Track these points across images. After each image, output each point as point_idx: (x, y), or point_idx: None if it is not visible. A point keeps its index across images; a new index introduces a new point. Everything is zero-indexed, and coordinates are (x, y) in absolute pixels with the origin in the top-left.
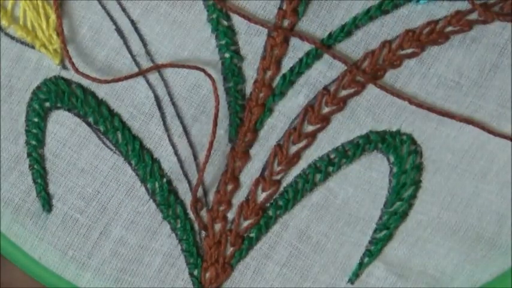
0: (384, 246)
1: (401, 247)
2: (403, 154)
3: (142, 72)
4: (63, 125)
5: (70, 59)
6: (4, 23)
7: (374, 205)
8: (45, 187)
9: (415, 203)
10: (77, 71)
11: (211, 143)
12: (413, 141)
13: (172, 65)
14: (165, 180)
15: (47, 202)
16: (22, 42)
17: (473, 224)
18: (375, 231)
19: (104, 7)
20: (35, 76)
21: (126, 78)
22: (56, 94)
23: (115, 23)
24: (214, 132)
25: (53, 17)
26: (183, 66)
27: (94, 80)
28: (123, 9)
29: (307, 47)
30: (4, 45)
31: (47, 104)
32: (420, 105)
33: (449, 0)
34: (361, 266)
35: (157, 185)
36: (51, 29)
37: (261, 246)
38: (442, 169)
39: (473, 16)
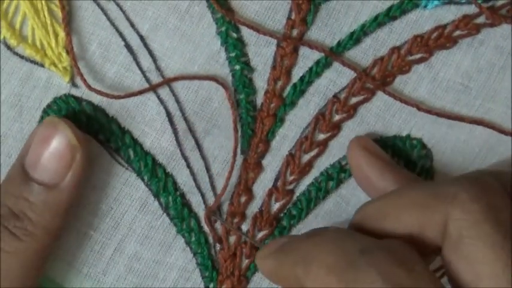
0: None
1: None
2: (414, 158)
3: (154, 87)
4: None
5: (82, 76)
6: (13, 42)
7: None
8: None
9: None
10: (89, 87)
11: (234, 152)
12: (423, 146)
13: (183, 77)
14: (178, 193)
15: None
16: (31, 61)
17: None
18: None
19: (112, 23)
20: (45, 94)
21: (139, 93)
22: (66, 112)
23: (124, 39)
24: (236, 139)
25: (61, 34)
26: (194, 78)
27: (107, 95)
28: (132, 25)
29: (316, 55)
30: (13, 65)
31: None
32: (429, 111)
33: (456, 4)
34: None
35: (170, 199)
36: (60, 47)
37: None
38: (452, 172)
39: (481, 19)
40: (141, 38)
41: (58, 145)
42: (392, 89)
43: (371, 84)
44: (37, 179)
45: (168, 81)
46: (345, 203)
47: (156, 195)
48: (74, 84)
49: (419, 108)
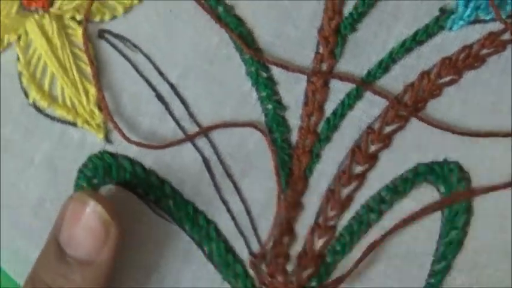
0: (444, 277)
1: (460, 276)
2: (453, 182)
3: (192, 137)
4: (113, 199)
5: (118, 128)
6: (43, 103)
7: (429, 237)
8: None
9: (469, 230)
10: (127, 139)
11: (279, 195)
12: (461, 169)
13: (221, 125)
14: (221, 239)
15: None
16: (63, 121)
17: None
18: (433, 263)
19: (141, 75)
20: (80, 154)
21: (178, 143)
22: (103, 169)
23: (154, 89)
24: (279, 183)
25: (92, 91)
26: (232, 125)
27: (145, 146)
28: (161, 74)
29: (347, 88)
30: (45, 127)
31: (95, 181)
32: (462, 133)
33: (481, 22)
34: None
35: (214, 246)
36: (92, 104)
37: None
38: (491, 193)
39: (507, 36)
40: (171, 86)
41: (90, 222)
42: (425, 114)
43: (404, 111)
44: (73, 256)
45: (206, 130)
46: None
47: (199, 244)
48: (108, 140)
49: (453, 132)
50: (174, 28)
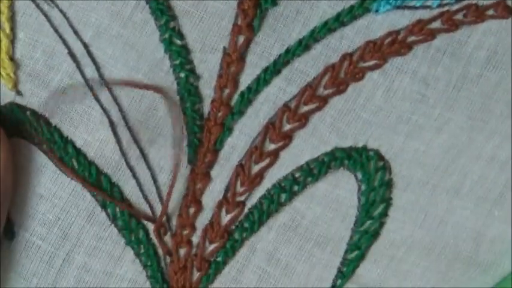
0: (356, 267)
1: (375, 268)
2: (371, 171)
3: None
4: (19, 153)
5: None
6: None
7: (344, 225)
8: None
9: (386, 222)
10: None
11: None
12: (380, 157)
13: (127, 83)
14: (125, 204)
15: (8, 229)
16: None
17: (448, 242)
18: (346, 251)
19: (56, 30)
20: None
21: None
22: (10, 122)
23: (67, 47)
24: (181, 149)
25: (4, 41)
26: (139, 87)
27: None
28: (75, 32)
29: (264, 62)
30: None
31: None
32: None
33: (410, 9)
34: None
35: (117, 209)
36: (3, 53)
37: (229, 271)
38: (412, 185)
39: (437, 24)
40: (85, 45)
41: None
42: (346, 98)
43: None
44: None
45: (111, 84)
46: (300, 216)
47: (103, 206)
48: (18, 92)
49: None
50: None
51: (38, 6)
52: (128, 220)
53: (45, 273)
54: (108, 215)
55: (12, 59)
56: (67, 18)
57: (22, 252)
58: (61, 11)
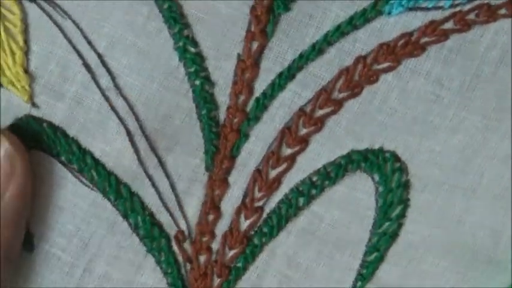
0: (376, 269)
1: (395, 269)
2: (388, 172)
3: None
4: (39, 165)
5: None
6: None
7: (362, 227)
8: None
9: (404, 223)
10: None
11: None
12: (397, 159)
13: None
14: (147, 213)
15: (28, 241)
16: None
17: (467, 242)
18: (365, 254)
19: (70, 41)
20: (4, 117)
21: None
22: (28, 134)
23: (82, 57)
24: None
25: (19, 53)
26: None
27: None
28: (89, 43)
29: (278, 68)
30: None
31: None
32: None
33: (422, 10)
34: None
35: (139, 219)
36: (18, 65)
37: (249, 276)
38: (429, 186)
39: (449, 25)
40: (99, 55)
41: None
42: (361, 100)
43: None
44: None
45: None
46: (319, 220)
47: (125, 216)
48: (33, 104)
49: None
50: None
51: (51, 18)
52: (150, 229)
53: (66, 283)
54: (130, 224)
55: (26, 71)
56: (80, 29)
57: (42, 264)
58: (74, 22)
